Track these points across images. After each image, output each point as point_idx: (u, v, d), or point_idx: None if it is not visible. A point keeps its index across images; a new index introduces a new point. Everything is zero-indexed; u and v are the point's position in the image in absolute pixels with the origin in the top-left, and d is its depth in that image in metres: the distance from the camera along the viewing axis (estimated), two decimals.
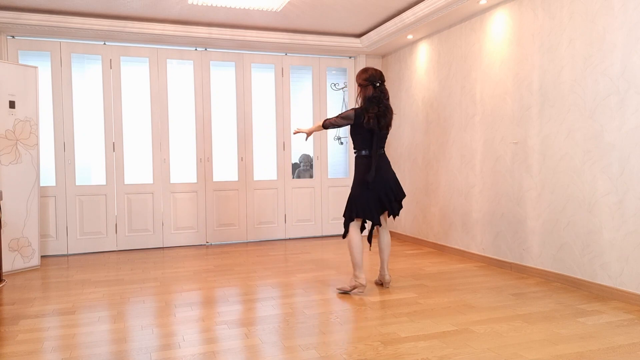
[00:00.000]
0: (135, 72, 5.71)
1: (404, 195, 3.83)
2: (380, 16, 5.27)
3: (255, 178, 6.15)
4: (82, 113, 5.56)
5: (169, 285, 4.00)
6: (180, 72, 5.87)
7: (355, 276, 3.65)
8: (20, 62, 5.20)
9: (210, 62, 5.90)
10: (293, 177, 6.37)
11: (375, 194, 3.68)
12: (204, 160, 5.90)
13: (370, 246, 4.17)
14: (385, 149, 3.87)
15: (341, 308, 3.31)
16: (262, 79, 6.20)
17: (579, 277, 3.66)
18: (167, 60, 5.74)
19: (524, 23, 4.12)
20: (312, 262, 4.82)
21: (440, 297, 3.53)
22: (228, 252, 5.48)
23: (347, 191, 6.45)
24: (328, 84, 6.45)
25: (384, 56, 6.42)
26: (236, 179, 6.06)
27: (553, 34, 3.84)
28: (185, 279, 4.21)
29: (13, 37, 5.19)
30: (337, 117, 3.77)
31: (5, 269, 4.42)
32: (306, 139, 4.09)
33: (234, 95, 6.02)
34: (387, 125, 3.72)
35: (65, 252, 5.42)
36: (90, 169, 5.67)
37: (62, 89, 5.36)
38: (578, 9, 3.62)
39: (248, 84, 6.04)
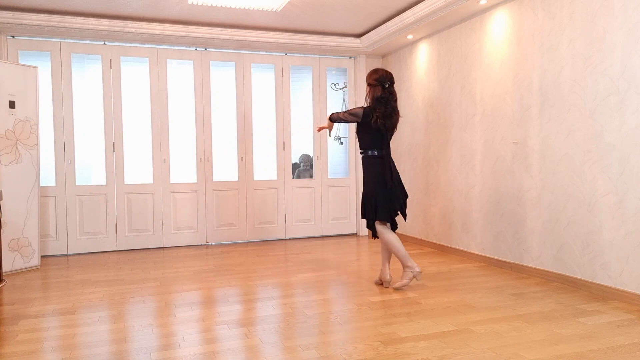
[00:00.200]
0: (135, 72, 5.72)
1: (407, 196, 3.86)
2: (380, 16, 5.27)
3: (255, 178, 6.15)
4: (82, 113, 5.56)
5: (169, 285, 4.00)
6: (180, 72, 5.87)
7: (409, 267, 3.72)
8: (20, 62, 5.20)
9: (210, 62, 5.90)
10: (293, 177, 6.37)
11: (392, 195, 3.75)
12: (204, 160, 5.90)
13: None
14: None
15: (341, 308, 3.31)
16: (262, 79, 6.20)
17: (579, 277, 3.66)
18: (167, 60, 5.74)
19: (524, 23, 4.12)
20: (312, 262, 4.82)
21: (440, 297, 3.53)
22: (228, 252, 5.48)
23: (347, 191, 6.50)
24: (328, 84, 6.45)
25: (384, 56, 6.42)
26: (236, 179, 6.06)
27: (553, 34, 3.84)
28: (185, 279, 4.21)
29: (13, 37, 5.19)
30: (345, 112, 3.82)
31: (5, 269, 4.42)
32: (329, 134, 4.16)
33: (234, 95, 6.02)
34: (393, 127, 3.75)
35: (65, 252, 5.42)
36: (90, 169, 5.67)
37: (62, 89, 5.36)
38: (578, 9, 3.62)
39: (248, 84, 6.04)
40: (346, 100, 6.54)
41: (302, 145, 6.47)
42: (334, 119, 3.86)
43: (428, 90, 5.48)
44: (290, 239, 6.27)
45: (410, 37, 5.48)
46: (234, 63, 6.00)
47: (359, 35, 6.02)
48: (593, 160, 3.52)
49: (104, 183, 5.56)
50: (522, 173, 4.17)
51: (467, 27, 4.81)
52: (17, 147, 4.58)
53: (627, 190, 3.29)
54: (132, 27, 5.22)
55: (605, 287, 3.44)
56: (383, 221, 3.77)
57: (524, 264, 4.17)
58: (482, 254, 4.66)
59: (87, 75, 5.65)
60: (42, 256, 5.20)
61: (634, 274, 3.26)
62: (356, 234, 6.53)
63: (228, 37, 5.55)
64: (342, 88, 6.57)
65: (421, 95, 5.60)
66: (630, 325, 2.88)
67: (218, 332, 2.87)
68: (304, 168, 6.53)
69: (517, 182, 4.22)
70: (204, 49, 5.85)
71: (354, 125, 6.42)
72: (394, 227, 3.85)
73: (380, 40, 5.72)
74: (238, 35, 5.58)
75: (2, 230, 4.37)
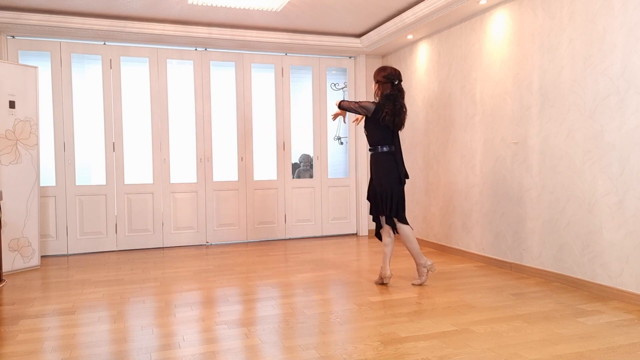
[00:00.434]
0: (135, 72, 5.71)
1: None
2: (380, 16, 5.27)
3: (255, 178, 6.15)
4: (82, 113, 5.56)
5: (169, 285, 4.00)
6: (180, 72, 5.87)
7: (421, 264, 3.83)
8: (20, 62, 5.20)
9: (210, 62, 5.90)
10: (293, 177, 6.37)
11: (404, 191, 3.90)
12: (204, 160, 5.90)
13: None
14: None
15: (341, 308, 3.31)
16: (262, 79, 6.20)
17: (579, 277, 3.66)
18: (167, 60, 5.74)
19: (524, 23, 4.12)
20: (312, 262, 4.82)
21: (440, 297, 3.53)
22: (228, 252, 5.47)
23: (347, 191, 6.50)
24: (328, 84, 6.45)
25: (384, 56, 6.42)
26: (236, 179, 6.06)
27: (553, 34, 3.84)
28: (185, 279, 4.21)
29: (13, 37, 5.19)
30: (356, 102, 3.84)
31: (5, 269, 4.42)
32: (344, 120, 4.18)
33: (234, 95, 6.02)
34: (401, 124, 3.78)
35: (65, 252, 5.42)
36: (90, 169, 5.67)
37: (62, 89, 5.36)
38: (578, 9, 3.62)
39: (248, 84, 6.04)
40: (346, 100, 6.53)
41: (302, 145, 6.47)
42: (344, 106, 3.87)
43: (428, 90, 5.48)
44: (290, 239, 6.27)
45: (410, 37, 5.48)
46: (234, 63, 6.00)
47: (359, 35, 6.02)
48: (593, 160, 3.52)
49: (104, 183, 5.56)
50: (522, 173, 4.17)
51: (467, 27, 4.81)
52: (17, 147, 4.58)
53: (627, 190, 3.29)
54: (132, 27, 5.22)
55: (605, 287, 3.44)
56: (401, 217, 3.83)
57: (524, 264, 4.17)
58: (482, 254, 4.66)
59: (87, 75, 5.65)
60: (42, 256, 5.20)
61: (634, 274, 3.26)
62: (356, 234, 6.53)
63: (228, 37, 5.55)
64: (342, 88, 6.57)
65: (421, 95, 5.59)
66: (630, 325, 2.88)
67: (218, 332, 2.87)
68: (304, 168, 6.53)
69: (517, 182, 4.22)
70: (204, 49, 5.85)
71: (354, 126, 6.44)
72: (394, 228, 3.87)
73: (380, 40, 5.72)
74: (238, 35, 5.58)
75: (2, 230, 4.37)
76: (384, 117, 3.70)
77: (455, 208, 5.05)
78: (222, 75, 6.02)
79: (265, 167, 6.24)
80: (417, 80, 5.67)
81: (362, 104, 3.79)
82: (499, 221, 4.44)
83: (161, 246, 5.77)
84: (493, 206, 4.51)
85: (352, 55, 6.39)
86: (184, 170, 5.90)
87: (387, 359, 2.44)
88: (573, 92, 3.68)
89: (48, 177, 5.35)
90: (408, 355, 2.49)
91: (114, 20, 5.15)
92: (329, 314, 3.18)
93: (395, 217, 3.81)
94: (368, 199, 3.97)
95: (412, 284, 3.85)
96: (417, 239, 5.69)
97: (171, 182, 5.79)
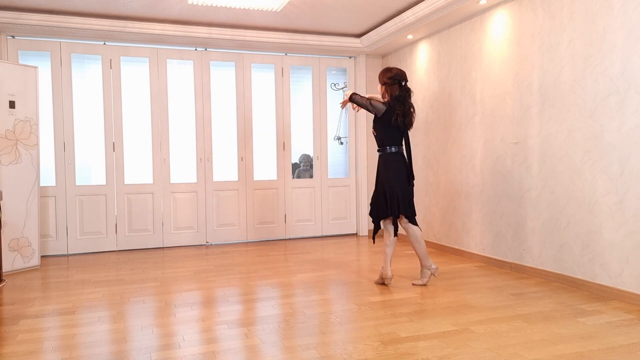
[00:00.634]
0: (135, 72, 5.71)
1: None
2: (380, 16, 5.27)
3: (255, 178, 6.15)
4: (82, 113, 5.56)
5: (169, 285, 4.00)
6: (180, 72, 5.87)
7: (426, 266, 3.84)
8: (20, 62, 5.20)
9: (210, 62, 5.90)
10: (293, 177, 6.37)
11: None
12: (204, 160, 5.90)
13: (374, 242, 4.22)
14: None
15: (341, 308, 3.31)
16: (262, 79, 6.20)
17: (579, 277, 3.66)
18: (167, 60, 5.74)
19: (524, 23, 4.12)
20: (312, 262, 4.82)
21: (440, 297, 3.53)
22: (228, 252, 5.48)
23: (347, 191, 6.50)
24: (328, 84, 6.44)
25: (384, 56, 6.42)
26: (236, 179, 6.06)
27: (553, 34, 3.84)
28: (185, 279, 4.21)
29: (13, 37, 5.19)
30: (367, 99, 3.82)
31: (5, 269, 4.42)
32: (354, 108, 4.07)
33: (234, 95, 6.02)
34: (410, 124, 3.78)
35: (65, 252, 5.42)
36: (90, 169, 5.67)
37: (62, 89, 5.36)
38: (578, 9, 3.62)
39: (248, 84, 6.04)
40: None
41: (302, 145, 6.46)
42: (356, 100, 3.86)
43: (428, 90, 5.48)
44: (290, 239, 6.27)
45: (410, 37, 5.48)
46: (234, 63, 6.00)
47: (359, 35, 6.02)
48: (593, 160, 3.52)
49: (104, 183, 5.56)
50: (522, 173, 4.17)
51: (467, 27, 4.81)
52: (17, 147, 4.58)
53: (627, 190, 3.29)
54: (132, 27, 5.22)
55: (605, 287, 3.44)
56: (411, 218, 3.83)
57: (523, 264, 4.17)
58: (482, 254, 4.66)
59: (87, 75, 5.65)
60: (42, 256, 5.20)
61: (634, 274, 3.26)
62: (356, 234, 6.53)
63: (228, 37, 5.55)
64: (342, 88, 6.55)
65: (421, 95, 5.59)
66: (630, 325, 2.88)
67: (218, 332, 2.87)
68: (304, 168, 6.53)
69: (517, 182, 4.22)
70: (204, 49, 5.85)
71: (354, 126, 6.45)
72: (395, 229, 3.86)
73: (380, 40, 5.72)
74: (238, 35, 5.58)
75: (2, 230, 4.37)
76: (396, 119, 3.70)
77: (455, 208, 5.05)
78: (222, 75, 6.02)
79: (265, 167, 6.24)
80: (417, 80, 5.67)
81: (374, 103, 3.78)
82: (499, 221, 4.45)
83: (161, 246, 5.77)
84: (493, 206, 4.51)
85: (352, 55, 6.39)
86: (184, 170, 5.90)
87: (387, 359, 2.44)
88: (573, 92, 3.68)
89: (48, 177, 5.35)
90: (408, 355, 2.49)
91: (114, 20, 5.15)
92: (329, 314, 3.18)
93: (407, 217, 3.80)
94: (372, 203, 3.92)
95: (413, 284, 3.86)
96: None
97: (171, 182, 5.79)
